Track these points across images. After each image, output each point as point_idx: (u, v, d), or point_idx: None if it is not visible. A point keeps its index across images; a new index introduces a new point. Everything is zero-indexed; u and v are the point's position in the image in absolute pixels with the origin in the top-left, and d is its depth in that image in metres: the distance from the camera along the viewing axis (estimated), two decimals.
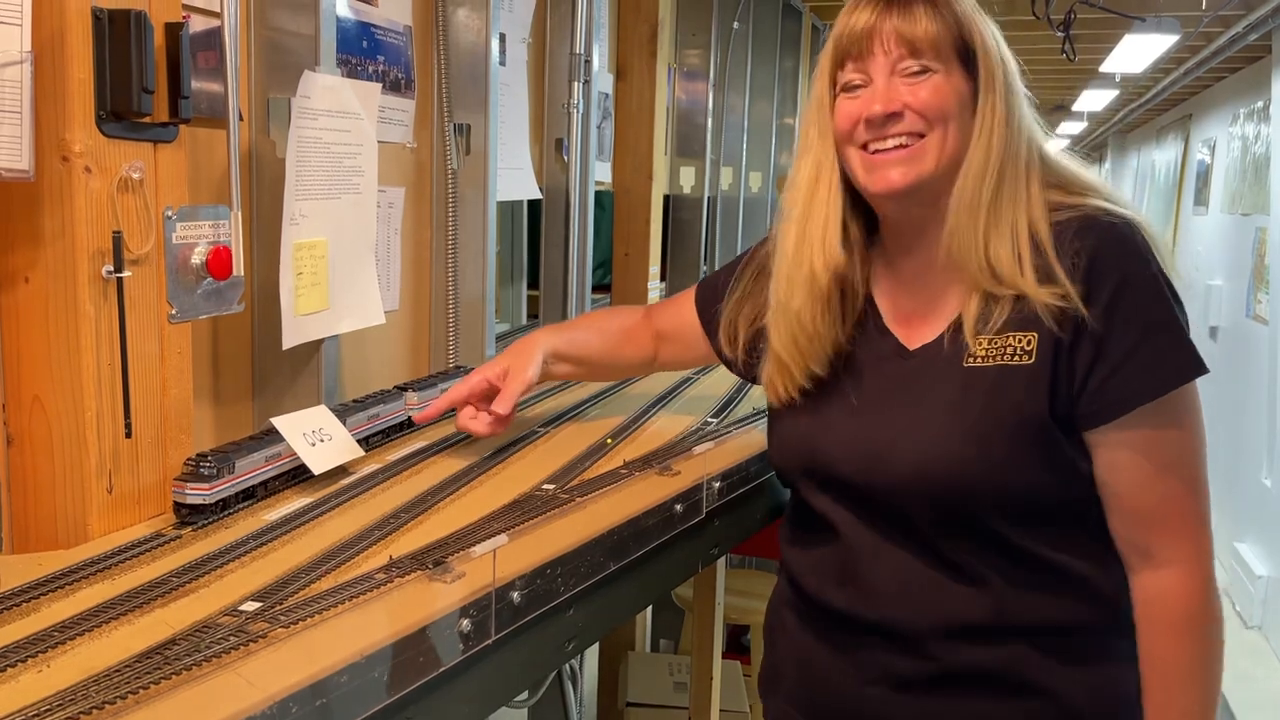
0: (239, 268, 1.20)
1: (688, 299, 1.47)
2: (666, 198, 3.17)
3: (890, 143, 1.07)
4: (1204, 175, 6.78)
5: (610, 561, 1.17)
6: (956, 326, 1.09)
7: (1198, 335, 1.16)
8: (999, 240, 1.06)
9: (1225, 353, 5.74)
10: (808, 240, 1.14)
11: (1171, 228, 7.64)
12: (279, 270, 1.34)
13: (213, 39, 1.26)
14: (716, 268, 3.59)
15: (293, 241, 1.34)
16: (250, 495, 1.20)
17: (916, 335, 1.13)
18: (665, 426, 1.67)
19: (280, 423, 1.25)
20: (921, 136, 1.07)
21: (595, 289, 2.63)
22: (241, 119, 1.39)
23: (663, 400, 1.84)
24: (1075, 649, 1.08)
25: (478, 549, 0.99)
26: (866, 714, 1.14)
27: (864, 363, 1.15)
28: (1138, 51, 4.67)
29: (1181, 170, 7.59)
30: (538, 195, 2.24)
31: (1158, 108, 8.00)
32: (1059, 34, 3.51)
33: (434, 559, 1.01)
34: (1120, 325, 1.01)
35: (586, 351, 1.51)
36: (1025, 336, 1.03)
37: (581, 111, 2.29)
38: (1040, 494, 1.05)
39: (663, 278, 3.23)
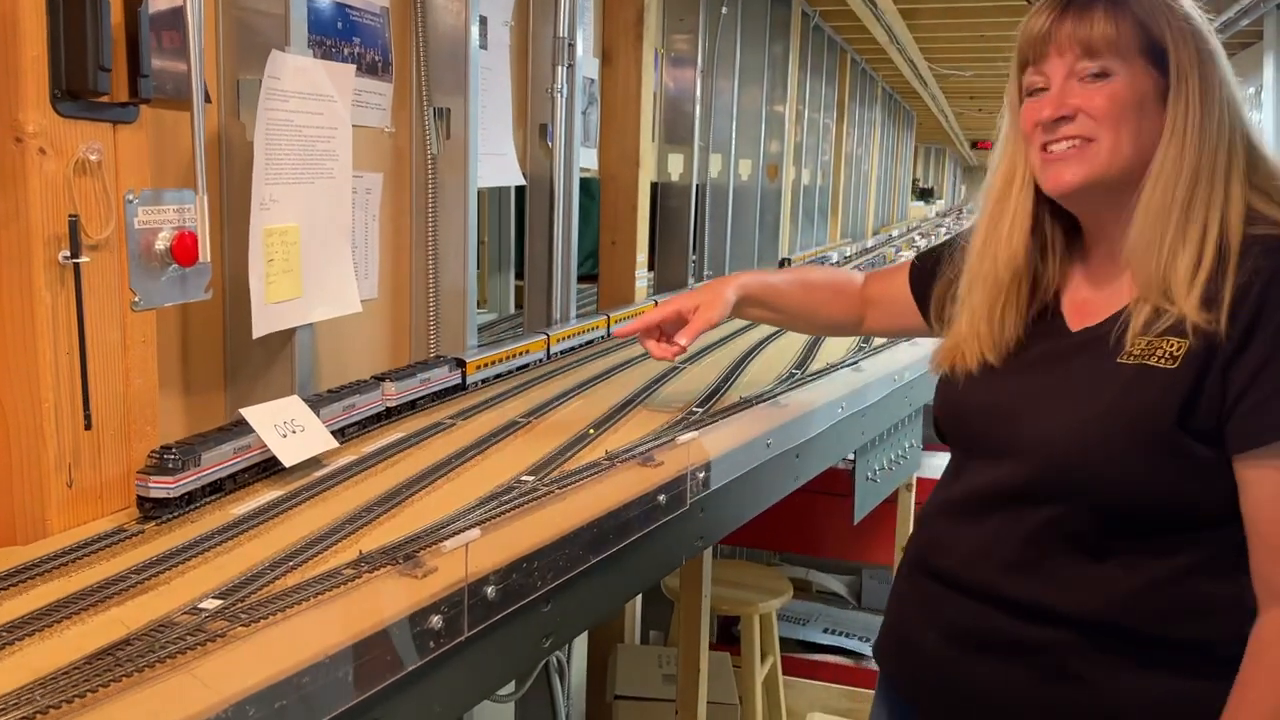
0: (205, 254, 1.17)
1: (903, 270, 1.48)
2: (654, 185, 3.13)
3: (1064, 144, 1.08)
4: None
5: (590, 555, 1.14)
6: (1120, 320, 1.08)
7: None
8: (1182, 250, 1.04)
9: None
10: (994, 238, 1.18)
11: None
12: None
13: (178, 17, 1.22)
14: (706, 257, 3.58)
15: (262, 227, 1.30)
16: (218, 488, 1.16)
17: (1081, 320, 1.14)
18: (650, 417, 1.64)
19: (250, 414, 1.21)
20: (1092, 140, 1.07)
21: (583, 279, 2.60)
22: (209, 101, 1.34)
23: (647, 390, 1.81)
24: (1139, 654, 1.05)
25: (448, 544, 0.96)
26: (929, 664, 1.18)
27: (1036, 343, 1.17)
28: None
29: None
30: (521, 182, 2.20)
31: None
32: None
33: (405, 554, 0.98)
34: (1277, 356, 0.98)
35: (783, 301, 1.59)
36: (1177, 342, 1.02)
37: (565, 96, 2.25)
38: (1153, 498, 1.03)
39: (651, 267, 3.19)
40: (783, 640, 3.24)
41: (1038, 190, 1.14)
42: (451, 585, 0.95)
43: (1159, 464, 1.02)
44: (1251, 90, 5.35)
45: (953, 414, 1.22)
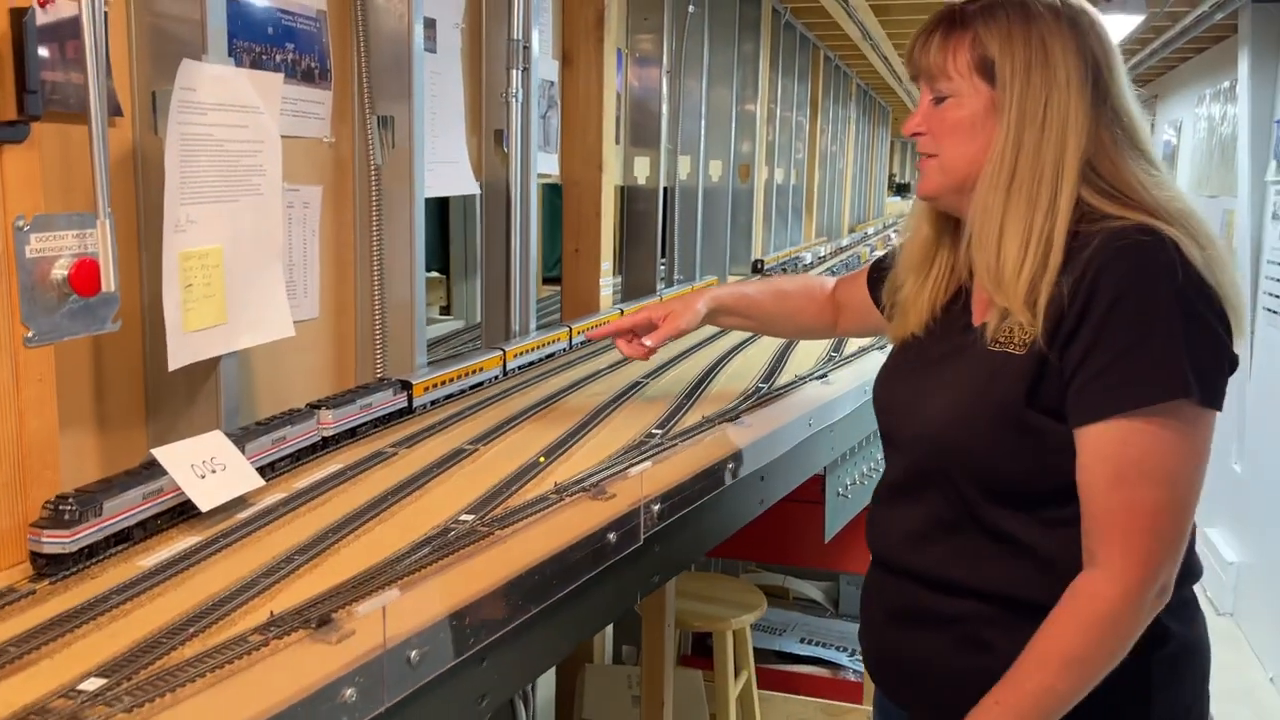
0: (109, 282, 1.07)
1: (864, 274, 1.60)
2: (621, 190, 3.05)
3: (925, 157, 1.22)
4: (1170, 157, 6.73)
5: (530, 604, 1.06)
6: (997, 312, 1.16)
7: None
8: (1009, 247, 1.13)
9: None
10: (912, 228, 1.32)
11: None
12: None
13: (78, 25, 1.12)
14: (676, 261, 3.50)
15: (178, 250, 1.21)
16: (126, 538, 1.07)
17: (980, 314, 1.22)
18: (606, 440, 1.55)
19: (163, 454, 1.12)
20: (936, 155, 1.21)
21: (553, 281, 2.51)
22: (121, 114, 1.25)
23: (605, 411, 1.73)
24: (1027, 620, 1.11)
25: (362, 608, 0.87)
26: (877, 641, 1.32)
27: (944, 327, 1.27)
28: None
29: None
30: (475, 190, 2.11)
31: None
32: None
33: (320, 615, 0.89)
34: (1107, 339, 1.05)
35: (757, 309, 1.70)
36: (1029, 329, 1.11)
37: (521, 101, 2.16)
38: (1023, 473, 1.12)
39: (619, 272, 3.11)
40: (759, 651, 3.17)
41: None
42: (369, 651, 0.86)
43: (1019, 441, 1.11)
44: (1226, 84, 5.32)
45: (878, 409, 1.35)
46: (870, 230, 7.35)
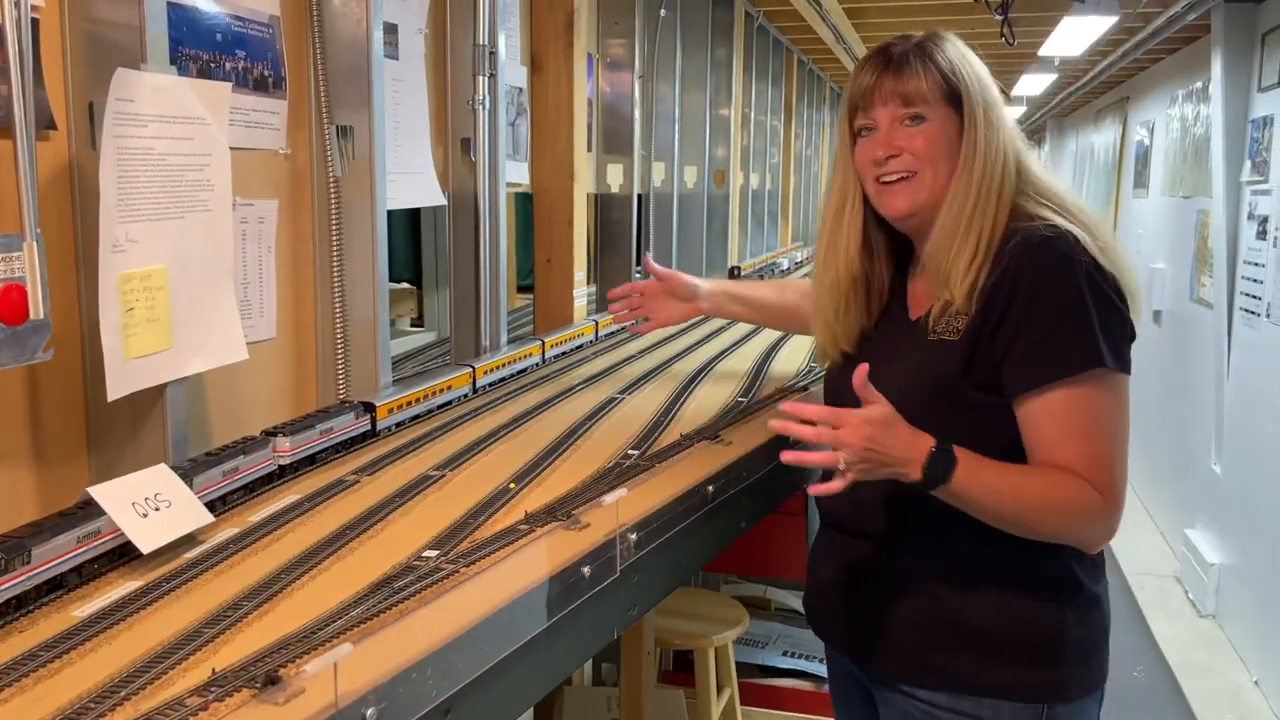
0: (38, 309, 0.99)
1: None
2: (594, 198, 2.98)
3: (893, 176, 1.32)
4: (1143, 157, 6.74)
5: (498, 649, 0.99)
6: (932, 306, 1.32)
7: (1142, 319, 1.31)
8: (963, 252, 1.28)
9: (1169, 336, 5.69)
10: (833, 253, 1.42)
11: (1111, 211, 7.61)
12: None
13: (1, 32, 1.05)
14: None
15: (116, 272, 1.13)
16: (59, 585, 0.99)
17: (917, 309, 1.37)
18: (579, 463, 1.48)
19: (100, 492, 1.04)
20: (916, 173, 1.31)
21: (527, 290, 2.43)
22: (54, 127, 1.17)
23: (579, 430, 1.66)
24: (968, 574, 1.30)
25: (310, 666, 0.80)
26: (826, 599, 1.45)
27: (882, 331, 1.41)
28: (1076, 34, 4.57)
29: (1120, 153, 7.55)
30: (441, 201, 2.04)
31: (1095, 90, 7.96)
32: (997, 16, 3.37)
33: (266, 673, 0.81)
34: (1030, 321, 1.23)
35: (758, 299, 1.93)
36: (962, 319, 1.27)
37: (488, 108, 2.09)
38: (958, 439, 1.21)
39: (593, 282, 3.04)
40: (740, 666, 3.10)
41: (866, 209, 1.38)
42: (320, 712, 0.79)
43: (955, 411, 1.26)
44: (1199, 84, 5.33)
45: (830, 397, 1.46)
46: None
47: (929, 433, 1.21)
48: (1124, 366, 1.25)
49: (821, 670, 3.48)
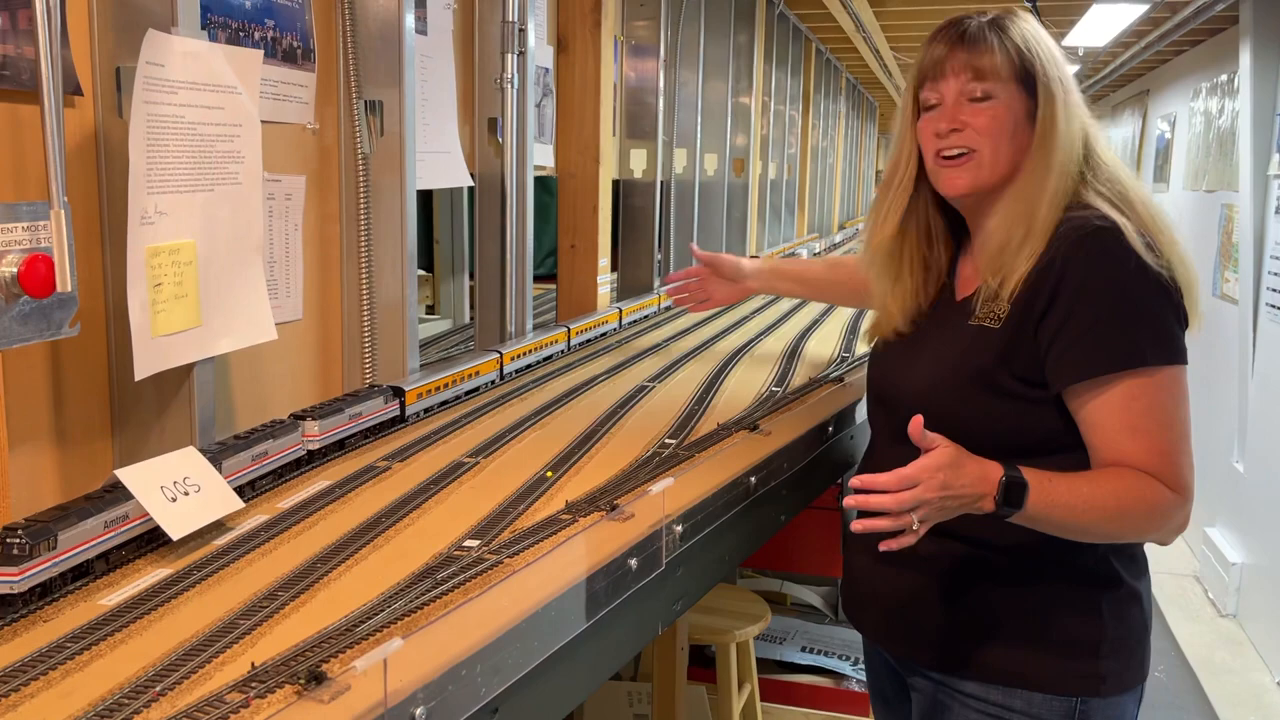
0: (65, 281, 0.94)
1: None
2: (616, 183, 2.92)
3: (954, 151, 1.27)
4: (1164, 151, 6.66)
5: (545, 645, 0.93)
6: (976, 291, 1.29)
7: (1200, 310, 1.27)
8: (1028, 241, 1.24)
9: (1191, 332, 5.62)
10: (877, 222, 1.39)
11: None
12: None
13: None
14: (672, 258, 3.37)
15: (144, 245, 1.08)
16: (85, 572, 0.94)
17: (963, 291, 1.35)
18: (615, 452, 1.43)
19: (128, 475, 0.99)
20: (976, 151, 1.26)
21: (541, 279, 2.39)
22: (80, 93, 1.12)
23: (612, 419, 1.60)
24: (1007, 563, 1.26)
25: (360, 662, 0.74)
26: (861, 584, 1.41)
27: (936, 310, 1.37)
28: (1104, 23, 4.50)
29: (1140, 147, 7.47)
30: (467, 182, 1.98)
31: (1113, 84, 7.88)
32: (1028, 5, 3.31)
33: (309, 668, 0.76)
34: (1077, 314, 1.20)
35: (809, 275, 1.94)
36: (1004, 307, 1.24)
37: (516, 87, 2.03)
38: (997, 428, 1.22)
39: (614, 269, 2.98)
40: (759, 662, 3.05)
41: (916, 187, 1.35)
42: (368, 711, 0.74)
43: (993, 401, 1.24)
44: (1224, 77, 5.25)
45: (876, 378, 1.43)
46: (860, 227, 7.25)
47: (964, 421, 1.19)
48: (1177, 358, 1.21)
49: (841, 667, 3.43)
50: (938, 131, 1.28)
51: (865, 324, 1.49)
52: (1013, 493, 1.12)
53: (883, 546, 1.10)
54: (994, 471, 1.13)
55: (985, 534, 1.25)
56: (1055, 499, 1.15)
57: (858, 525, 1.11)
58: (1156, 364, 1.19)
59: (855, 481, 1.11)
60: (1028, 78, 1.26)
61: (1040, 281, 1.21)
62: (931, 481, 1.09)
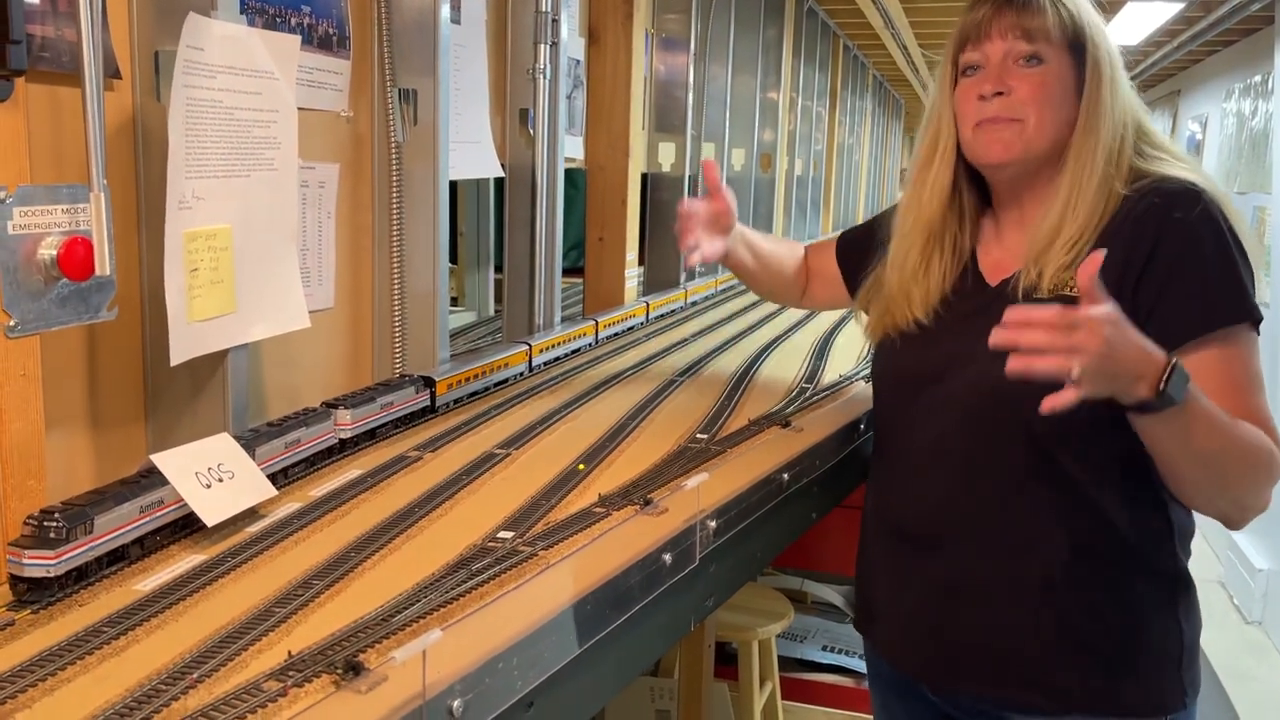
0: (104, 265, 0.94)
1: (831, 245, 1.59)
2: (644, 176, 2.91)
3: (995, 115, 1.19)
4: (1195, 152, 6.59)
5: (581, 639, 0.92)
6: (1036, 266, 1.19)
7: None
8: (1078, 218, 1.18)
9: None
10: (916, 204, 1.30)
11: None
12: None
13: None
14: None
15: (182, 230, 1.08)
16: (120, 557, 0.94)
17: (997, 275, 1.26)
18: (647, 445, 1.42)
19: (163, 460, 0.99)
20: (1020, 119, 1.19)
21: (567, 272, 2.38)
22: (119, 76, 1.12)
23: (642, 412, 1.59)
24: (1087, 570, 1.17)
25: (399, 653, 0.74)
26: (913, 625, 1.29)
27: (960, 298, 1.28)
28: (1138, 22, 4.45)
29: None
30: (499, 173, 1.97)
31: (1144, 83, 7.80)
32: None
33: (347, 658, 0.76)
34: (1183, 273, 1.13)
35: (763, 250, 1.62)
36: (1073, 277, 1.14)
37: (549, 78, 2.02)
38: (1081, 415, 1.01)
39: (641, 263, 2.97)
40: (780, 660, 3.04)
41: (957, 160, 1.27)
42: (406, 703, 0.73)
43: None
44: (1258, 78, 5.18)
45: (893, 376, 1.34)
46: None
47: (1058, 417, 1.03)
48: (1259, 322, 1.15)
49: (862, 667, 3.41)
50: (981, 94, 1.20)
51: (869, 320, 1.38)
52: (1175, 381, 0.99)
53: (1045, 404, 0.97)
54: (1158, 354, 1.00)
55: (1038, 545, 1.17)
56: (1209, 407, 1.04)
57: (1014, 364, 0.97)
58: (1251, 324, 1.14)
59: (1010, 315, 0.97)
60: (1078, 46, 1.19)
61: (1133, 245, 1.14)
62: (1096, 331, 0.96)
